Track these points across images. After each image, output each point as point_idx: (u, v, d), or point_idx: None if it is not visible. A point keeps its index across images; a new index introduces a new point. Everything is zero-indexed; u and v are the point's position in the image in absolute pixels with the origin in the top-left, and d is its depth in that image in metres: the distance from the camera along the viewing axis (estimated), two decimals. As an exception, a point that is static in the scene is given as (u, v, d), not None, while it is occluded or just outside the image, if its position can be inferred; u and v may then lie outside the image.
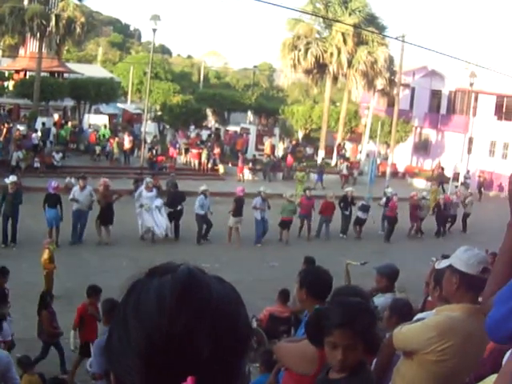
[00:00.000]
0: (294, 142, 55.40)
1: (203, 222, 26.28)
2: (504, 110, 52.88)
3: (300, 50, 47.67)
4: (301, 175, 37.56)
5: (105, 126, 45.18)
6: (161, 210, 25.70)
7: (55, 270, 17.64)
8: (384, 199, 31.39)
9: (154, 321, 1.37)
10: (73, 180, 31.92)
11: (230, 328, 1.42)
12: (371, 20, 49.00)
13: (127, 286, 1.49)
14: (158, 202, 25.91)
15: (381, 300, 8.21)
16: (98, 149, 41.96)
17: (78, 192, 24.48)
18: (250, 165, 44.20)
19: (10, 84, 50.85)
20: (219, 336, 1.39)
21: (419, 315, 5.52)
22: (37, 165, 36.27)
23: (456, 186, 43.23)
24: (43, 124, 41.07)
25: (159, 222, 25.55)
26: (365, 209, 30.01)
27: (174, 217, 26.00)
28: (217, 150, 43.95)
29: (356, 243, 28.65)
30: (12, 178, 24.11)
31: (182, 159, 44.73)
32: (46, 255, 17.54)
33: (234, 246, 25.52)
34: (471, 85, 46.74)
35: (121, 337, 1.43)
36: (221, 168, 42.70)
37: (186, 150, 45.08)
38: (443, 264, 4.67)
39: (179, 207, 25.72)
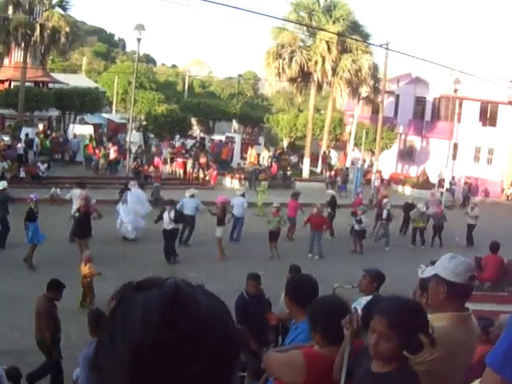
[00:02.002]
0: (279, 151, 55.48)
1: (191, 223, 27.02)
2: (488, 115, 53.22)
3: (284, 59, 47.70)
4: (263, 186, 37.12)
5: (90, 136, 44.99)
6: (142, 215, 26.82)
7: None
8: (385, 212, 30.75)
9: (140, 336, 1.37)
10: (58, 190, 31.94)
11: (219, 341, 1.42)
12: (355, 28, 49.10)
13: (113, 302, 1.49)
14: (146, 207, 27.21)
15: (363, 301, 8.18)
16: (95, 159, 42.01)
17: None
18: (235, 173, 44.15)
19: (-5, 94, 50.70)
20: (208, 350, 1.39)
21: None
22: (22, 175, 36.10)
23: (441, 193, 43.32)
24: (26, 135, 40.89)
25: (136, 223, 26.57)
26: (358, 221, 28.91)
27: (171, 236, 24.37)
28: (203, 160, 43.82)
29: (344, 251, 28.47)
30: (2, 184, 24.77)
31: (167, 169, 44.63)
32: (87, 268, 17.25)
33: (223, 257, 25.30)
34: (455, 91, 46.92)
35: (108, 353, 1.42)
36: (200, 173, 42.50)
37: (172, 160, 44.99)
38: (428, 273, 4.66)
39: (173, 226, 24.24)
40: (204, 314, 1.42)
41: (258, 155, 48.60)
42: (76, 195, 25.38)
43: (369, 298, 8.32)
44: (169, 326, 1.37)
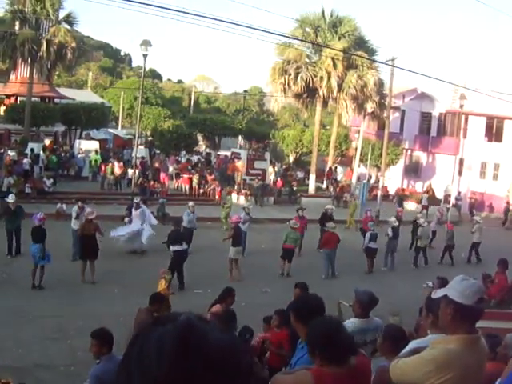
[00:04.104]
0: (285, 167, 55.52)
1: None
2: (494, 131, 53.17)
3: (290, 75, 47.69)
4: (229, 200, 36.71)
5: (96, 152, 45.03)
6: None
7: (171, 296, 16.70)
8: (390, 230, 29.31)
9: (154, 372, 1.41)
10: (64, 206, 31.92)
11: (231, 378, 1.45)
12: (361, 43, 49.17)
13: (132, 336, 1.53)
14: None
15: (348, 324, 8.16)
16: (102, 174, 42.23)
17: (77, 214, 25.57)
18: (242, 189, 44.07)
19: (1, 109, 50.85)
20: None
21: (413, 343, 5.48)
22: (28, 190, 36.14)
23: (447, 209, 43.26)
24: (31, 150, 40.95)
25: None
26: (374, 238, 28.01)
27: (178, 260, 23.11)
28: (211, 177, 43.82)
29: (350, 268, 28.09)
30: (11, 197, 25.83)
31: (173, 184, 44.62)
32: (163, 285, 17.05)
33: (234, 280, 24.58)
34: (461, 107, 46.94)
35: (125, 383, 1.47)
36: (206, 188, 42.67)
37: (177, 175, 44.99)
38: (439, 294, 4.62)
39: (183, 247, 23.52)
40: (216, 354, 1.45)
41: (265, 171, 48.61)
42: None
43: (351, 320, 8.46)
44: (180, 365, 1.41)
